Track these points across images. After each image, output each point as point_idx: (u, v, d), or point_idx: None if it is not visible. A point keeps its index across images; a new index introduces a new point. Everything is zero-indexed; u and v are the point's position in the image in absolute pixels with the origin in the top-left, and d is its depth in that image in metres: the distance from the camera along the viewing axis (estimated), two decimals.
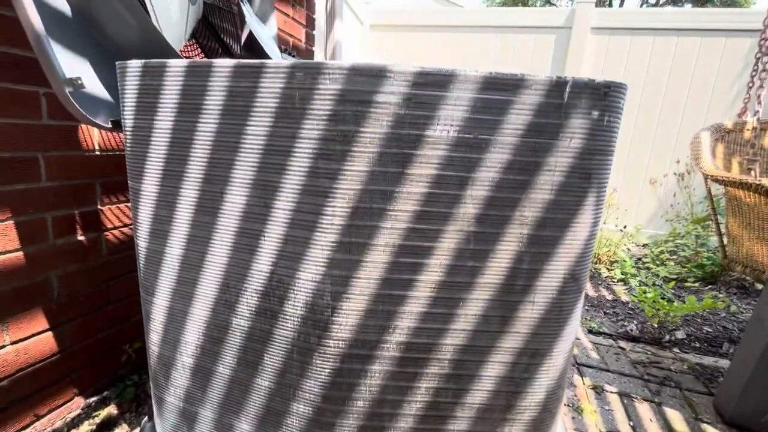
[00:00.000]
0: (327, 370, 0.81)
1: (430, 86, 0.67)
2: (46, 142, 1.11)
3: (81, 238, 1.26)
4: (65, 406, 1.29)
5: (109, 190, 1.32)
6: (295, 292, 0.78)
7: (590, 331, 2.22)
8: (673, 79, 3.56)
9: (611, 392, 1.67)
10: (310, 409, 0.84)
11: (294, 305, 0.79)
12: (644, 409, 1.57)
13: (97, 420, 1.29)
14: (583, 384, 1.70)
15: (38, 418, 1.21)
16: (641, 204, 3.77)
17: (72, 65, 0.87)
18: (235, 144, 0.75)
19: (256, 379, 0.87)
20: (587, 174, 0.71)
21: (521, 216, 0.72)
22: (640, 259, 3.50)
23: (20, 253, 1.09)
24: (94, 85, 0.94)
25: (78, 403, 1.33)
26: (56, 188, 1.16)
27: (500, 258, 0.74)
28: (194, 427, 0.98)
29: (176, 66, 0.75)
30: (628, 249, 3.79)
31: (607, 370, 1.82)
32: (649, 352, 2.01)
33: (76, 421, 1.28)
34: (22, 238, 1.09)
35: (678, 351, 2.05)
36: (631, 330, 2.27)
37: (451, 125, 0.68)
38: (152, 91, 0.79)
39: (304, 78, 0.69)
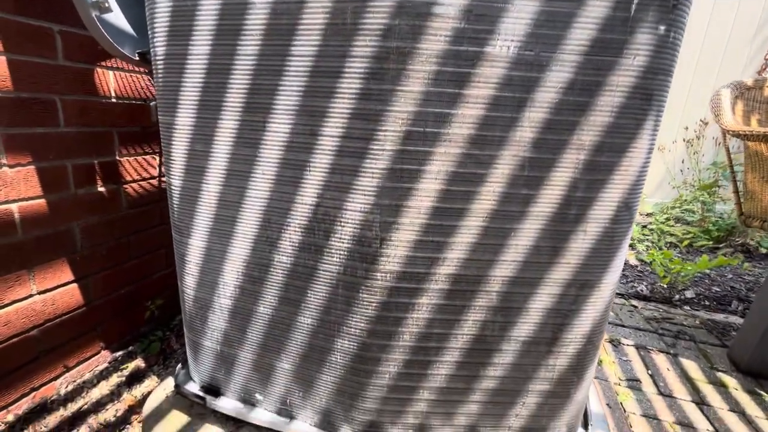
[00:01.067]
0: (373, 305, 0.80)
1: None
2: (63, 84, 1.06)
3: (101, 189, 1.22)
4: (93, 359, 1.29)
5: (126, 140, 1.28)
6: (342, 224, 0.77)
7: None
8: (683, 44, 3.49)
9: (628, 345, 1.70)
10: (354, 344, 0.84)
11: (340, 238, 0.78)
12: (661, 360, 1.60)
13: (126, 372, 1.29)
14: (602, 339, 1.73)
15: (68, 369, 1.21)
16: (649, 172, 3.76)
17: None
18: (279, 67, 0.72)
19: (299, 317, 0.86)
20: (648, 95, 0.69)
21: (579, 140, 0.70)
22: (645, 226, 3.52)
23: (43, 201, 1.06)
24: (118, 18, 0.89)
25: (105, 357, 1.33)
26: (75, 135, 1.12)
27: (554, 185, 0.72)
28: (232, 369, 0.98)
29: None
30: None
31: (622, 326, 1.85)
32: (661, 310, 2.04)
33: (105, 374, 1.28)
34: (44, 185, 1.05)
35: (689, 308, 2.09)
36: (642, 290, 2.30)
37: (512, 41, 0.65)
38: (186, 12, 0.74)
39: None
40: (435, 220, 0.74)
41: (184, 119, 0.81)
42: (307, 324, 0.86)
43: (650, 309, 2.04)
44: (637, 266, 2.71)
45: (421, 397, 0.87)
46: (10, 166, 0.98)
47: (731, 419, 1.31)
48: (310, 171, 0.75)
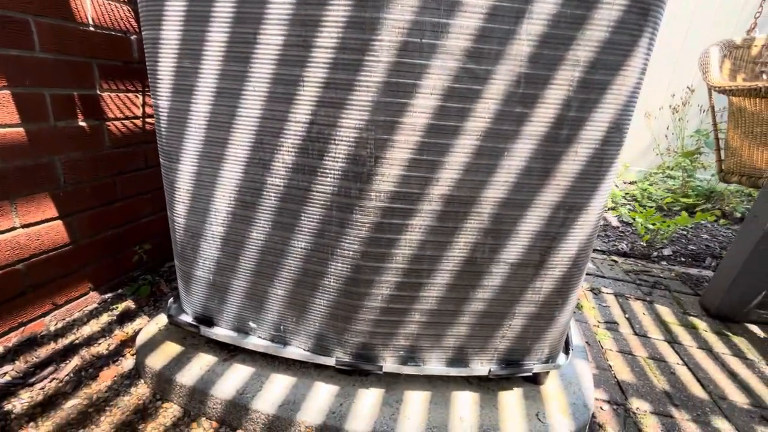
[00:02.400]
0: (367, 226, 0.81)
1: None
2: (37, 3, 1.00)
3: (82, 123, 1.18)
4: (82, 299, 1.28)
5: (107, 74, 1.22)
6: (336, 143, 0.76)
7: None
8: (672, 11, 3.47)
9: (607, 293, 1.77)
10: (348, 267, 0.85)
11: (335, 157, 0.77)
12: (638, 306, 1.68)
13: (116, 312, 1.29)
14: (581, 287, 1.80)
15: (57, 307, 1.20)
16: (635, 139, 3.81)
17: None
18: None
19: (292, 241, 0.87)
20: (645, 9, 0.69)
21: (574, 56, 0.70)
22: (628, 193, 3.61)
23: (21, 129, 1.02)
24: None
25: (94, 298, 1.32)
26: (52, 62, 1.06)
27: (548, 104, 0.73)
28: (225, 298, 0.99)
29: None
30: (616, 185, 3.88)
31: (603, 276, 1.93)
32: (640, 264, 2.13)
33: (95, 313, 1.28)
34: (21, 112, 1.01)
35: (665, 264, 2.18)
36: (622, 248, 2.38)
37: None
38: None
39: None
40: (430, 138, 0.74)
41: (170, 33, 0.78)
42: (301, 248, 0.87)
43: (629, 263, 2.12)
44: (618, 227, 2.79)
45: (413, 319, 0.90)
46: None
47: (700, 355, 1.40)
48: (303, 86, 0.74)
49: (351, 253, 0.84)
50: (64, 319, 1.22)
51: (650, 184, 3.48)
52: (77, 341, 1.15)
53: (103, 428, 0.90)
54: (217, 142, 0.83)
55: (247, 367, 1.00)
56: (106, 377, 1.04)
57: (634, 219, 2.36)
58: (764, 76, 1.76)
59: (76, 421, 0.91)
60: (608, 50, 0.70)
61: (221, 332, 1.01)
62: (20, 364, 1.03)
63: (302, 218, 0.84)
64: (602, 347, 1.39)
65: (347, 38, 0.69)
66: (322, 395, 0.93)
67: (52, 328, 1.18)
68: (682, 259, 2.28)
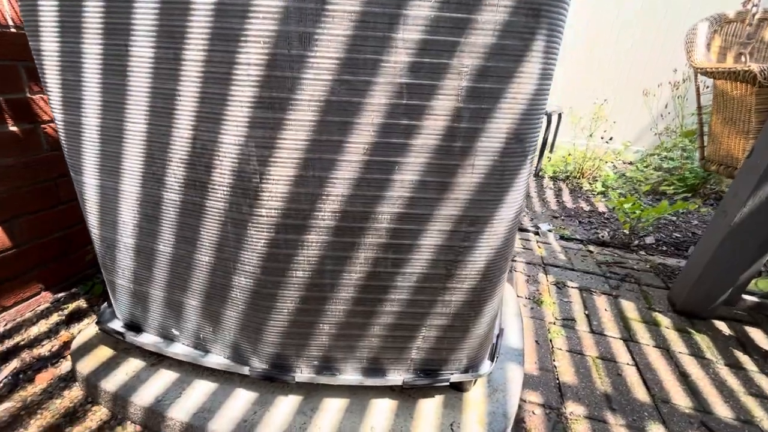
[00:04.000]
0: (262, 242, 0.79)
1: None
2: None
3: (13, 128, 1.17)
4: (33, 299, 1.32)
5: (37, 77, 1.20)
6: (221, 158, 0.73)
7: (562, 237, 2.26)
8: None
9: (572, 287, 1.73)
10: (251, 281, 0.84)
11: (221, 173, 0.75)
12: (601, 301, 1.64)
13: (66, 312, 1.33)
14: (547, 281, 1.76)
15: (5, 309, 1.24)
16: (633, 117, 3.64)
17: None
18: None
19: (196, 254, 0.86)
20: (536, 11, 0.62)
21: (459, 64, 0.64)
22: (624, 174, 3.48)
23: None
24: None
25: (46, 297, 1.36)
26: None
27: (437, 115, 0.68)
28: (147, 306, 1.00)
29: None
30: (614, 165, 3.75)
31: (572, 269, 1.88)
32: (616, 255, 2.06)
33: (45, 313, 1.31)
34: None
35: (644, 253, 2.11)
36: (603, 236, 2.32)
37: None
38: None
39: None
40: (313, 154, 0.71)
41: (49, 44, 0.75)
42: (205, 261, 0.86)
43: (605, 254, 2.06)
44: (604, 213, 2.71)
45: (323, 331, 0.89)
46: None
47: (654, 354, 1.36)
48: (180, 100, 0.71)
49: (251, 267, 0.82)
50: (13, 320, 1.26)
51: (646, 166, 3.34)
52: (22, 342, 1.19)
53: (35, 428, 0.94)
54: (112, 155, 0.81)
55: (173, 372, 1.01)
56: (43, 380, 1.08)
57: (617, 206, 2.27)
58: (743, 58, 1.63)
59: (6, 424, 0.95)
60: (497, 57, 0.64)
61: (147, 339, 1.02)
62: None
63: (201, 232, 0.83)
64: (552, 346, 1.37)
65: (214, 50, 0.65)
66: (239, 403, 0.94)
67: (3, 328, 1.22)
68: (664, 248, 2.21)
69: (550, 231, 2.33)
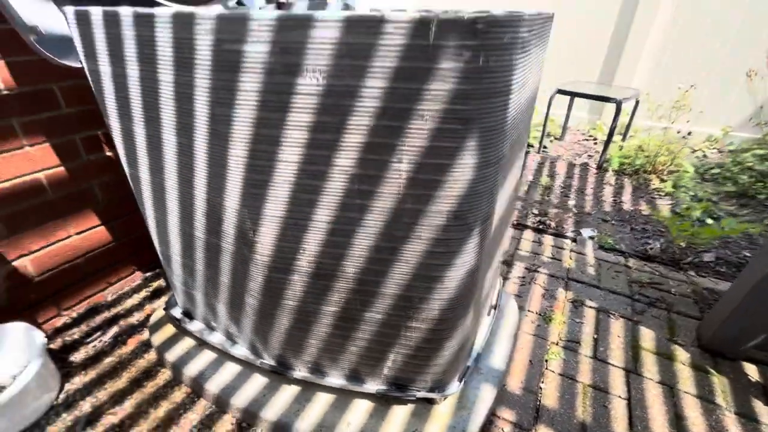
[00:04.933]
0: (260, 277, 1.01)
1: (291, 31, 0.66)
2: (57, 74, 1.30)
3: (109, 153, 1.53)
4: (129, 277, 1.75)
5: None
6: (227, 216, 0.95)
7: (602, 247, 2.17)
8: None
9: (590, 307, 1.72)
10: (256, 302, 1.08)
11: (228, 226, 0.96)
12: (617, 326, 1.62)
13: (151, 289, 1.74)
14: (564, 298, 1.77)
15: (111, 284, 1.68)
16: (728, 105, 3.10)
17: (36, 9, 0.98)
18: (154, 90, 0.85)
19: (220, 277, 1.11)
20: (464, 120, 0.69)
21: (398, 160, 0.75)
22: (709, 169, 3.05)
23: (62, 168, 1.39)
24: (63, 26, 1.06)
25: (139, 276, 1.79)
26: (75, 113, 1.39)
27: (384, 198, 0.80)
28: (194, 303, 1.31)
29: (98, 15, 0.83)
30: (704, 156, 3.29)
31: (597, 287, 1.84)
32: (657, 273, 1.94)
33: (137, 289, 1.74)
34: (60, 156, 1.38)
35: (693, 274, 1.95)
36: (652, 248, 2.16)
37: (320, 72, 0.69)
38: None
39: (180, 27, 0.72)
40: (290, 220, 0.88)
41: (115, 123, 1.00)
42: (226, 283, 1.11)
43: (645, 271, 1.96)
44: (665, 219, 2.48)
45: (311, 345, 1.10)
46: (30, 145, 1.30)
47: (654, 390, 1.36)
48: (196, 174, 0.92)
49: (255, 293, 1.05)
50: (116, 293, 1.70)
51: (738, 163, 2.88)
52: (121, 312, 1.62)
53: (123, 380, 1.34)
54: (161, 201, 1.08)
55: (212, 353, 1.33)
56: (132, 343, 1.49)
57: (662, 218, 2.08)
58: None
59: (108, 373, 1.37)
60: (431, 155, 0.73)
61: (194, 327, 1.35)
62: (84, 328, 1.53)
63: (222, 264, 1.07)
64: (545, 368, 1.43)
65: (212, 144, 0.84)
66: (254, 386, 1.23)
67: (110, 298, 1.67)
68: (723, 270, 2.00)
69: (591, 238, 2.24)
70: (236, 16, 0.68)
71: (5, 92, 1.20)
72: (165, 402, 1.28)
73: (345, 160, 0.77)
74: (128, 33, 0.81)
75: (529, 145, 3.63)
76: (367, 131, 0.73)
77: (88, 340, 1.48)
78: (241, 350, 1.26)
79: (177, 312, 1.41)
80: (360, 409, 1.16)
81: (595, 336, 1.57)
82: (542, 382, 1.38)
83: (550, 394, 1.33)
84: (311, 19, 0.65)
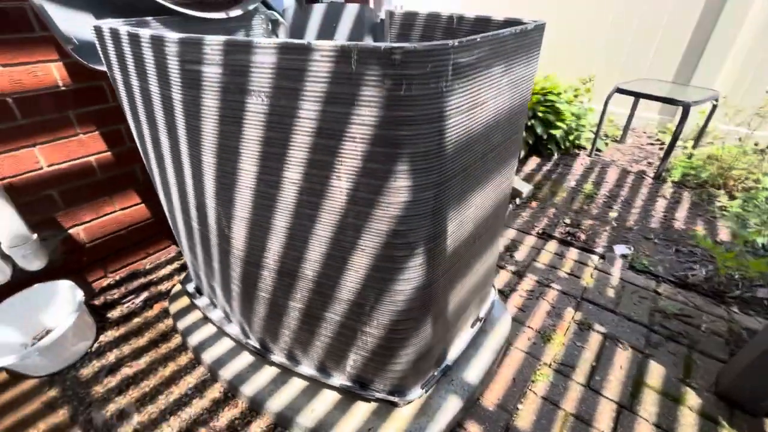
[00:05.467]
0: (238, 268, 1.11)
1: (236, 54, 0.72)
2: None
3: None
4: (164, 250, 2.00)
5: None
6: (209, 212, 1.06)
7: (633, 268, 1.98)
8: None
9: (598, 332, 1.61)
10: (239, 288, 1.19)
11: (211, 221, 1.07)
12: (623, 356, 1.50)
13: (182, 261, 1.97)
14: (572, 318, 1.67)
15: (148, 255, 1.93)
16: None
17: (72, 21, 1.15)
18: (149, 99, 0.97)
19: (213, 263, 1.24)
20: (394, 143, 0.70)
21: (337, 176, 0.78)
22: None
23: (109, 153, 1.62)
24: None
25: (173, 250, 2.03)
26: (119, 107, 1.60)
27: (330, 211, 0.84)
28: (201, 281, 1.47)
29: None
30: None
31: (613, 311, 1.71)
32: (691, 304, 1.74)
33: (170, 261, 1.98)
34: (107, 142, 1.60)
35: (737, 310, 1.72)
36: (695, 275, 1.93)
37: (264, 93, 0.74)
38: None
39: (156, 48, 0.82)
40: (256, 220, 0.96)
41: (133, 125, 1.16)
42: (216, 268, 1.24)
43: (677, 300, 1.77)
44: (724, 243, 2.19)
45: (284, 334, 1.20)
46: (84, 133, 1.53)
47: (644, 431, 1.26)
48: (184, 175, 1.04)
49: (236, 281, 1.17)
50: (153, 262, 1.96)
51: None
52: (153, 280, 1.86)
53: (144, 339, 1.57)
54: (168, 193, 1.22)
55: (213, 328, 1.50)
56: (157, 308, 1.71)
57: (708, 246, 1.83)
58: None
59: (133, 331, 1.60)
60: (365, 176, 0.76)
61: (201, 302, 1.52)
62: (122, 290, 1.79)
63: (212, 253, 1.20)
64: (528, 388, 1.39)
65: (191, 151, 0.94)
66: (241, 362, 1.36)
67: (147, 267, 1.93)
68: None
69: (623, 257, 2.06)
70: (193, 39, 0.75)
71: (63, 88, 1.43)
72: (172, 363, 1.47)
73: (293, 173, 0.82)
74: (127, 49, 0.92)
75: (579, 147, 3.37)
76: (309, 148, 0.77)
77: (124, 301, 1.73)
78: (233, 329, 1.40)
79: (191, 287, 1.59)
80: (326, 400, 1.23)
81: (594, 364, 1.48)
82: (521, 403, 1.34)
83: (525, 416, 1.30)
84: (251, 45, 0.70)
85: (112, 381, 1.41)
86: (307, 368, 1.25)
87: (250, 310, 1.22)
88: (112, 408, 1.32)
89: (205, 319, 1.53)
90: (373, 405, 1.22)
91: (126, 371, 1.44)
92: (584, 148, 3.35)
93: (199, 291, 1.57)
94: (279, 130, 0.78)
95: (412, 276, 0.89)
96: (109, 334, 1.59)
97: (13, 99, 1.33)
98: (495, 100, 0.85)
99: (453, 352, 1.30)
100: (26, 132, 1.39)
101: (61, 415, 1.30)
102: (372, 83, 0.65)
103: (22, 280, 1.49)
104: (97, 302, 1.73)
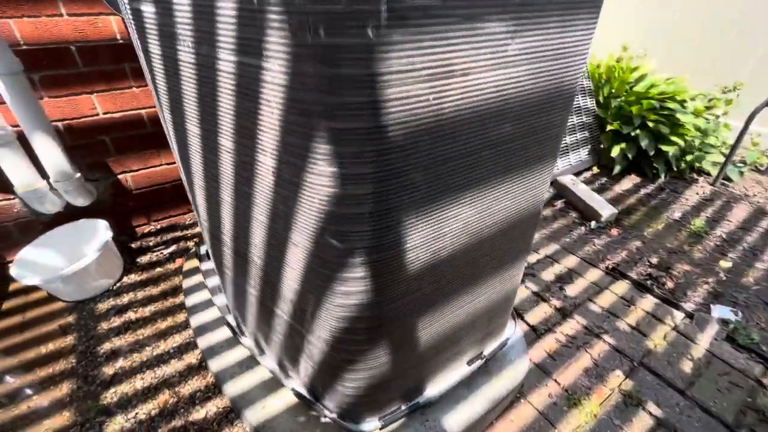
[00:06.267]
0: (208, 236, 1.04)
1: None
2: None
3: None
4: (192, 213, 2.08)
5: None
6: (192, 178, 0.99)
7: (732, 339, 1.46)
8: None
9: (649, 413, 1.21)
10: (222, 258, 1.13)
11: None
12: None
13: None
14: (618, 385, 1.29)
15: (189, 211, 2.03)
16: None
17: None
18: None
19: (223, 248, 1.20)
20: (307, 112, 0.52)
21: (263, 152, 0.63)
22: None
23: (153, 108, 1.70)
24: None
25: None
26: None
27: (261, 190, 0.70)
28: (209, 251, 1.47)
29: None
30: None
31: (682, 392, 1.27)
32: None
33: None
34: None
35: None
36: None
37: (186, 35, 0.62)
38: None
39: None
40: (208, 191, 0.86)
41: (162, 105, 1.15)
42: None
43: None
44: None
45: (250, 320, 1.11)
46: (137, 87, 1.62)
47: None
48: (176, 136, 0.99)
49: (212, 250, 1.10)
50: (193, 219, 2.05)
51: None
52: (184, 236, 1.95)
53: (158, 289, 1.64)
54: (185, 161, 1.21)
55: (207, 293, 1.49)
56: (178, 263, 1.78)
57: None
58: None
59: (153, 280, 1.68)
60: (286, 152, 0.59)
61: (205, 266, 1.52)
62: (158, 239, 1.91)
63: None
64: None
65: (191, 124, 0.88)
66: (218, 335, 1.32)
67: (188, 221, 2.03)
68: None
69: (724, 322, 1.54)
70: None
71: (121, 41, 1.51)
72: (170, 319, 1.51)
73: (226, 140, 0.70)
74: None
75: (699, 172, 2.66)
76: (234, 111, 0.64)
77: (155, 249, 1.84)
78: (220, 300, 1.37)
79: (203, 248, 1.61)
80: (283, 399, 1.12)
81: None
82: None
83: None
84: None
85: (116, 321, 1.49)
86: (270, 361, 1.15)
87: (226, 282, 1.16)
88: (106, 346, 1.39)
89: (203, 282, 1.54)
90: (327, 422, 1.06)
91: (131, 315, 1.51)
92: (706, 174, 2.64)
93: (209, 255, 1.57)
94: (207, 85, 0.65)
95: (351, 290, 0.70)
96: (132, 278, 1.69)
97: (76, 47, 1.44)
98: (491, 74, 0.60)
99: (433, 389, 1.07)
100: (85, 79, 1.51)
101: (68, 340, 1.42)
102: (276, 25, 0.48)
103: (74, 213, 1.66)
104: (134, 245, 1.87)
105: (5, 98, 1.30)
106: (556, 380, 1.30)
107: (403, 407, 1.02)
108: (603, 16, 0.79)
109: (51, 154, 1.42)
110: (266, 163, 0.64)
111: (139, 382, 1.27)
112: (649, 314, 1.56)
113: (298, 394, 1.06)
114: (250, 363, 1.22)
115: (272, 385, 1.16)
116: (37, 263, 1.54)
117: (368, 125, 0.53)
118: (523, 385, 1.27)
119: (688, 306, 1.62)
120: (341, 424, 1.00)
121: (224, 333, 1.33)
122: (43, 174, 1.48)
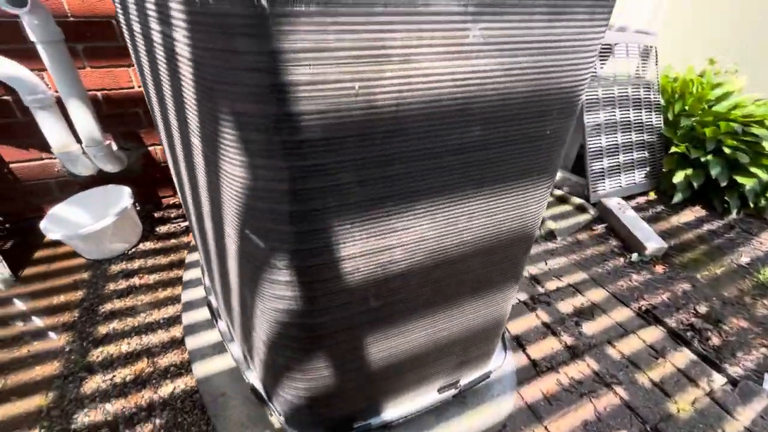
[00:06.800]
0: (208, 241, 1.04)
1: None
2: None
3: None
4: None
5: None
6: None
7: None
8: None
9: None
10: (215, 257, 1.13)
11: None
12: None
13: None
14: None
15: None
16: None
17: None
18: None
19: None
20: (208, 90, 0.47)
21: (192, 132, 0.59)
22: None
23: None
24: None
25: None
26: None
27: (198, 171, 0.66)
28: None
29: None
30: None
31: None
32: None
33: None
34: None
35: None
36: None
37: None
38: None
39: None
40: (176, 164, 0.85)
41: None
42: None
43: None
44: None
45: (221, 303, 1.09)
46: None
47: None
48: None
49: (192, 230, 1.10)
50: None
51: None
52: None
53: (167, 259, 1.70)
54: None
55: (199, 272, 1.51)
56: (190, 237, 1.84)
57: None
58: None
59: (165, 250, 1.75)
60: (202, 135, 0.54)
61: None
62: (179, 211, 1.99)
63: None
64: None
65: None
66: (199, 315, 1.34)
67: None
68: None
69: None
70: None
71: None
72: (170, 289, 1.55)
73: (173, 119, 0.66)
74: None
75: None
76: (169, 84, 0.60)
77: (174, 221, 1.92)
78: (207, 279, 1.38)
79: None
80: (243, 391, 1.09)
81: None
82: None
83: None
84: None
85: (122, 284, 1.57)
86: (237, 349, 1.13)
87: (207, 262, 1.15)
88: (107, 307, 1.47)
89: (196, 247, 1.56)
90: (277, 422, 1.02)
91: (135, 281, 1.58)
92: None
93: None
94: (153, 61, 0.62)
95: (280, 294, 0.64)
96: (147, 245, 1.78)
97: (117, 21, 1.52)
98: (445, 64, 0.50)
99: (393, 411, 0.98)
100: (124, 53, 1.59)
101: (77, 295, 1.51)
102: None
103: (107, 178, 1.77)
104: (156, 215, 1.96)
105: (46, 64, 1.40)
106: (546, 428, 1.15)
107: (356, 425, 0.94)
108: (688, 25, 0.64)
109: (84, 119, 1.52)
110: (197, 145, 0.60)
111: (125, 346, 1.32)
112: (681, 372, 1.33)
113: (253, 390, 1.03)
114: (221, 348, 1.22)
115: (237, 374, 1.14)
116: (64, 220, 1.66)
117: (276, 111, 0.45)
118: (506, 426, 1.13)
119: (734, 370, 1.35)
120: (287, 430, 0.95)
121: (204, 313, 1.33)
122: (78, 139, 1.59)
